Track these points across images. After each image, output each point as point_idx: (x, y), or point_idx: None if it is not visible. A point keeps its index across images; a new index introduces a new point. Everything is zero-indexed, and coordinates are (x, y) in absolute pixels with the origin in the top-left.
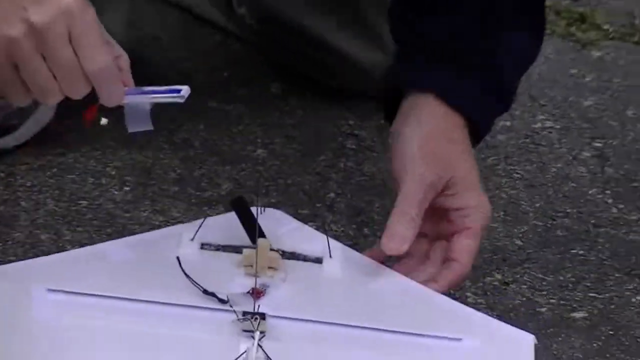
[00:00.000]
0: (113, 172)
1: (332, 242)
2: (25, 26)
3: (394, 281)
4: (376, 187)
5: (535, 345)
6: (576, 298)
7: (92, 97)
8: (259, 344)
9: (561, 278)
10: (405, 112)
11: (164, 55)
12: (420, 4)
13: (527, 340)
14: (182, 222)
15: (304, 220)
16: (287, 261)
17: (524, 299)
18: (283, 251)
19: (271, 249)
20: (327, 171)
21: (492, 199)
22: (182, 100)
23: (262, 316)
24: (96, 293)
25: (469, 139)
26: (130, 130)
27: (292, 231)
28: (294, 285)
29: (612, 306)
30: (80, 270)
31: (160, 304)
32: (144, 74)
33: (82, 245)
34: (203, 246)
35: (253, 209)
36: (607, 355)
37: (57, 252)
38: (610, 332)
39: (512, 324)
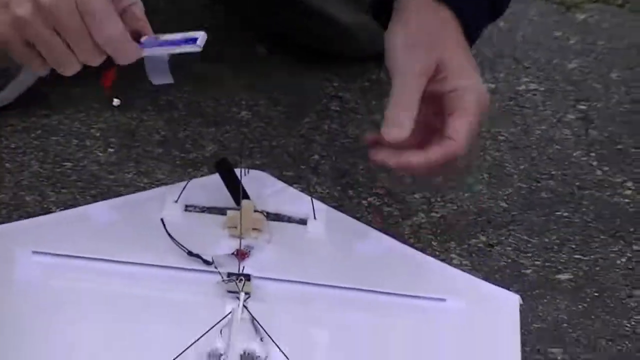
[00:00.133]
0: (97, 134)
1: (317, 203)
2: (32, 4)
3: (379, 242)
4: (360, 149)
5: (521, 306)
6: (561, 260)
7: (108, 61)
8: (244, 305)
9: (546, 240)
10: (396, 12)
11: (150, 18)
12: None
13: (512, 300)
14: (166, 183)
15: (289, 182)
16: (271, 223)
17: (509, 260)
18: (267, 213)
19: (255, 211)
20: (311, 133)
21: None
22: (199, 49)
23: (247, 277)
24: (80, 255)
25: (462, 37)
26: (155, 82)
27: (276, 193)
28: (278, 247)
29: (597, 268)
30: (65, 232)
31: (145, 266)
32: None
33: (66, 207)
34: (187, 208)
35: (237, 171)
36: (592, 317)
37: (42, 213)
38: (595, 294)
39: (497, 285)
